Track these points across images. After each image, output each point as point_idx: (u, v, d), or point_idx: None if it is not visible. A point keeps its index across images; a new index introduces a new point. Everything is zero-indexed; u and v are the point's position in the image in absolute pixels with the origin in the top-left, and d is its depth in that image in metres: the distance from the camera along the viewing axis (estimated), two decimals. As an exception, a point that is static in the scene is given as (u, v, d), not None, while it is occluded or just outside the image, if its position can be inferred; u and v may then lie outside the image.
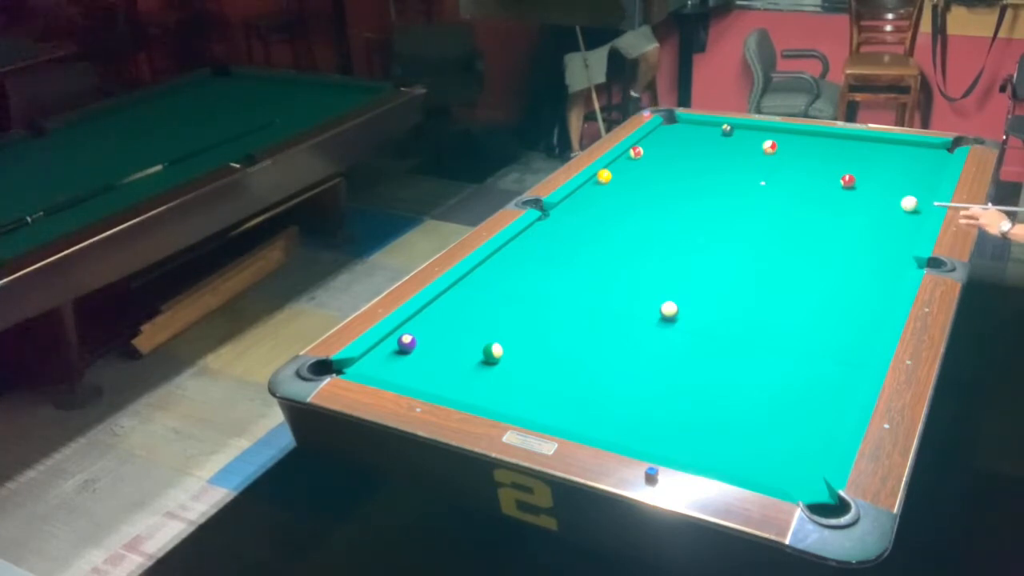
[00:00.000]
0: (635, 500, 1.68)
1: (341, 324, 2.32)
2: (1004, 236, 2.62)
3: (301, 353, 2.18)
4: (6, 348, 3.30)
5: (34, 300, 2.94)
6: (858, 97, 5.00)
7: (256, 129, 4.04)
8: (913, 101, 4.92)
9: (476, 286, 2.58)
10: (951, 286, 2.35)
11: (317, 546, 2.76)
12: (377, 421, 1.92)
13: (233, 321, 4.00)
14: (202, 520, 2.86)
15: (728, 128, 3.68)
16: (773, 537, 1.56)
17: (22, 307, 2.90)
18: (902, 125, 4.87)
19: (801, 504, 1.62)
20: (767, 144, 3.44)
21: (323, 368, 2.11)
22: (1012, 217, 2.68)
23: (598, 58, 5.24)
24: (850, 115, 5.06)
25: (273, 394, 2.05)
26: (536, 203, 3.03)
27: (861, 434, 1.80)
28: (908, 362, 2.03)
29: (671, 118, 3.89)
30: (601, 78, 5.31)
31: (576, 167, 3.36)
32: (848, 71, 4.95)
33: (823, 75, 5.34)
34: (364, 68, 6.49)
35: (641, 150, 3.48)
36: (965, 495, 2.78)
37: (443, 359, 2.21)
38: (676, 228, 2.91)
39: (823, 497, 1.65)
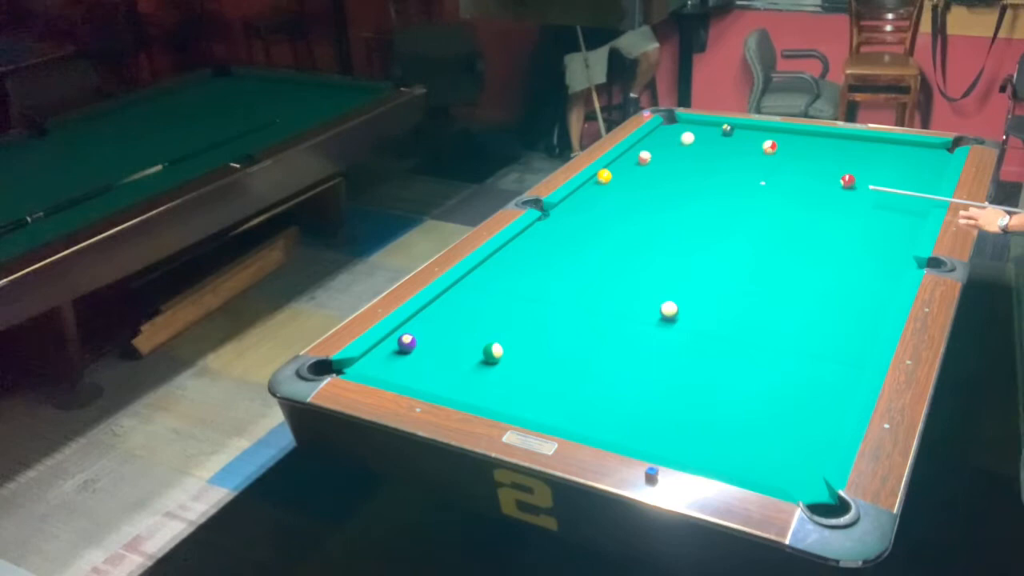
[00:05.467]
0: (635, 500, 1.68)
1: (341, 324, 2.32)
2: (1004, 230, 2.60)
3: (301, 353, 2.18)
4: (6, 348, 3.31)
5: (34, 300, 2.94)
6: (858, 97, 5.00)
7: (256, 129, 4.04)
8: (913, 101, 4.92)
9: (476, 286, 2.58)
10: (951, 286, 2.35)
11: (317, 546, 2.76)
12: (377, 421, 1.92)
13: (233, 321, 3.99)
14: (202, 520, 2.86)
15: (728, 128, 3.68)
16: (773, 537, 1.56)
17: (22, 307, 2.90)
18: (902, 125, 4.87)
19: (801, 504, 1.62)
20: (767, 144, 3.44)
21: (323, 368, 2.11)
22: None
23: (598, 58, 5.24)
24: (850, 115, 5.06)
25: (273, 394, 2.05)
26: (536, 203, 3.03)
27: (861, 434, 1.80)
28: (908, 362, 2.03)
29: (671, 118, 3.89)
30: (602, 78, 5.31)
31: (576, 167, 3.36)
32: (848, 71, 4.95)
33: (823, 75, 5.34)
34: (364, 68, 6.48)
35: (648, 156, 3.43)
36: (965, 495, 2.77)
37: (443, 359, 2.21)
38: (676, 228, 2.91)
39: (823, 497, 1.65)
